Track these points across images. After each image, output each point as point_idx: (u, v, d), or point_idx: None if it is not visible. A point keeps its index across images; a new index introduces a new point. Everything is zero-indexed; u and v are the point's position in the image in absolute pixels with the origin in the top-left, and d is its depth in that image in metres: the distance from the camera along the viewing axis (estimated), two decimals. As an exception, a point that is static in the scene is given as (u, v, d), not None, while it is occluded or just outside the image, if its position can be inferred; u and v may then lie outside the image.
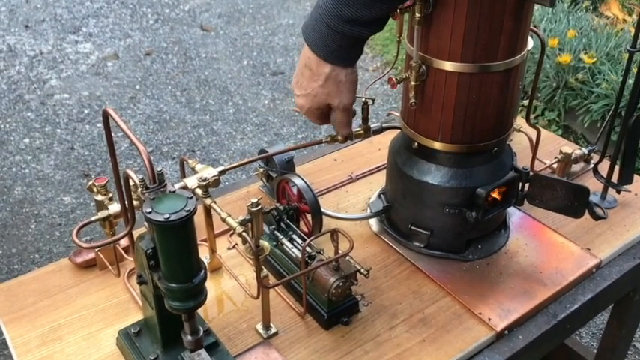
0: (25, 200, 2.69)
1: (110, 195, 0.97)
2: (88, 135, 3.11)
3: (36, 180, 2.81)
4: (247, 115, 3.28)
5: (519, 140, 1.34)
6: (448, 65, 0.94)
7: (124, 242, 1.07)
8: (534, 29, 1.03)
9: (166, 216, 0.68)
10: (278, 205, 1.08)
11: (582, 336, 2.08)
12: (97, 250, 1.06)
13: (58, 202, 2.68)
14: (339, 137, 1.03)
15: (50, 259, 2.36)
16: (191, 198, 0.71)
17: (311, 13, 0.90)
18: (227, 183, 1.32)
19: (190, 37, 4.06)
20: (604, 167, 1.23)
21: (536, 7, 1.50)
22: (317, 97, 0.94)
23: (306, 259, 0.94)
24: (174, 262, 0.73)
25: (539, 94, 3.07)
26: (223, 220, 0.88)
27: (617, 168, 1.21)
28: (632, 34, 1.10)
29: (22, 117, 3.26)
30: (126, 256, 1.07)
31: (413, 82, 0.97)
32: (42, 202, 2.67)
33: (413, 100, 0.98)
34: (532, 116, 1.28)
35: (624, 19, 3.40)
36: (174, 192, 0.72)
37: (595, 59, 2.87)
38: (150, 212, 0.69)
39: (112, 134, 0.81)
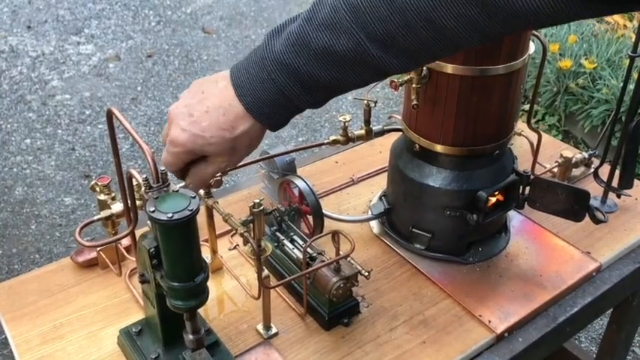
0: (26, 200, 2.69)
1: (113, 194, 0.98)
2: (89, 136, 3.12)
3: (37, 180, 2.81)
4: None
5: (520, 144, 1.34)
6: (450, 68, 0.94)
7: (126, 242, 1.07)
8: (536, 33, 1.04)
9: (169, 215, 0.68)
10: (279, 206, 1.08)
11: (582, 341, 2.08)
12: (98, 249, 1.06)
13: (59, 202, 2.68)
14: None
15: (50, 260, 2.37)
16: (194, 197, 0.71)
17: (249, 54, 0.75)
18: (227, 185, 1.33)
19: (192, 40, 4.07)
20: (604, 171, 1.23)
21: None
22: (212, 146, 0.74)
23: (307, 260, 0.95)
24: (176, 261, 0.73)
25: (539, 99, 3.08)
26: (225, 220, 0.88)
27: (617, 172, 1.21)
28: (633, 39, 1.11)
29: (24, 117, 3.27)
30: (127, 255, 1.07)
31: (415, 85, 0.98)
32: (42, 203, 2.68)
33: (415, 102, 0.98)
34: (533, 121, 1.29)
35: (625, 25, 3.41)
36: (177, 191, 0.72)
37: (596, 65, 2.88)
38: (153, 211, 0.69)
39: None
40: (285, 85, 0.71)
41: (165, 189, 0.73)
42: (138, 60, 3.82)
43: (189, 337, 0.80)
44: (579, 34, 3.16)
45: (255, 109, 0.73)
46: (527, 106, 2.80)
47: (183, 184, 0.93)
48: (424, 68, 0.96)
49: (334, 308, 0.97)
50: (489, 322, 0.98)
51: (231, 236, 1.14)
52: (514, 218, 1.20)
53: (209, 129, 0.74)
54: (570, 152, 1.30)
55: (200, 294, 0.76)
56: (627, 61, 1.13)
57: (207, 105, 0.74)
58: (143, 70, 3.72)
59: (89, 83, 3.58)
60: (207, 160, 0.77)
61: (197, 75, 3.61)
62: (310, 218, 1.09)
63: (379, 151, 1.39)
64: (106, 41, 4.04)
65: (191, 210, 0.69)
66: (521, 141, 1.32)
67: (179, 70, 3.71)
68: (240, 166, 1.08)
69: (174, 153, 0.76)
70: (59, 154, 2.99)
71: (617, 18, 3.45)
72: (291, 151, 1.14)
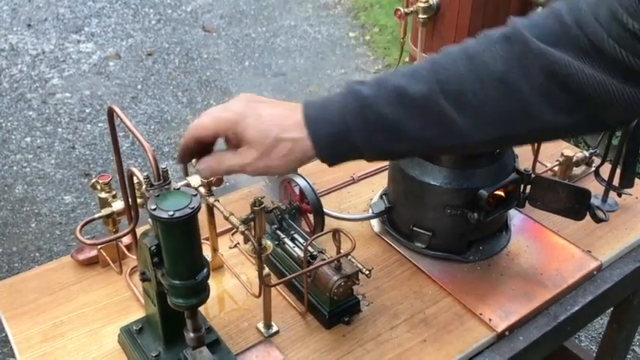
0: (26, 199, 2.69)
1: (114, 192, 0.98)
2: (89, 134, 3.12)
3: (37, 179, 2.81)
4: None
5: (521, 143, 1.34)
6: (451, 66, 0.94)
7: (126, 240, 1.07)
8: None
9: (171, 213, 0.68)
10: (280, 204, 1.08)
11: (581, 340, 2.08)
12: (99, 247, 1.06)
13: (59, 201, 2.68)
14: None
15: (50, 258, 2.37)
16: (195, 195, 0.71)
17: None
18: (228, 183, 1.33)
19: (192, 38, 4.07)
20: (605, 170, 1.23)
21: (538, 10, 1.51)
22: (255, 132, 0.71)
23: (308, 258, 0.94)
24: (177, 259, 0.73)
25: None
26: (226, 218, 0.88)
27: (618, 171, 1.21)
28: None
29: (24, 116, 3.27)
30: (128, 253, 1.07)
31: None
32: (42, 201, 2.68)
33: (416, 101, 0.98)
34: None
35: (625, 24, 3.40)
36: (178, 189, 0.72)
37: (596, 64, 2.88)
38: (154, 209, 0.69)
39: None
40: (350, 111, 0.69)
41: (166, 187, 0.73)
42: (138, 58, 3.82)
43: (190, 335, 0.80)
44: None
45: (312, 122, 0.70)
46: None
47: (184, 182, 0.93)
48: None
49: (335, 306, 0.97)
50: (490, 320, 0.98)
51: (232, 234, 1.14)
52: (515, 217, 1.20)
53: (264, 117, 0.72)
54: (571, 151, 1.30)
55: (201, 292, 0.76)
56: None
57: (276, 106, 0.73)
58: (143, 68, 3.71)
59: (89, 81, 3.58)
60: (236, 152, 0.74)
61: (197, 74, 3.61)
62: (311, 216, 1.09)
63: (380, 150, 1.39)
64: (106, 39, 4.04)
65: (192, 208, 0.69)
66: (522, 140, 1.32)
67: (179, 68, 3.71)
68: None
69: (218, 117, 0.73)
70: (59, 153, 2.99)
71: (617, 17, 3.44)
72: (292, 150, 1.14)
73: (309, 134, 0.70)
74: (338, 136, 0.70)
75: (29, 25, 4.20)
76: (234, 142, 0.73)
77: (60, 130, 3.16)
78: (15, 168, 2.88)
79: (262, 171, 0.74)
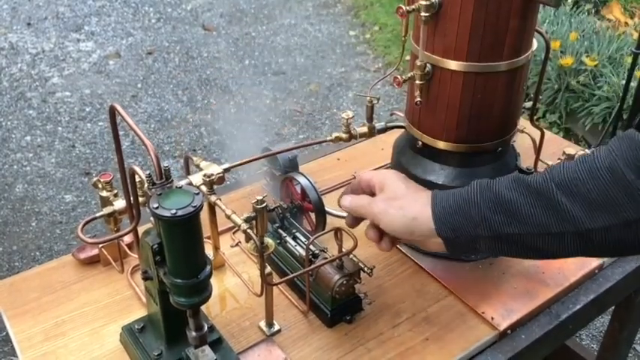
0: (26, 198, 2.69)
1: (115, 191, 0.97)
2: (90, 133, 3.12)
3: (37, 178, 2.81)
4: (249, 114, 3.28)
5: (522, 141, 1.34)
6: (453, 64, 0.94)
7: (128, 239, 1.07)
8: (539, 30, 1.03)
9: (173, 211, 0.68)
10: (281, 203, 1.08)
11: (582, 338, 2.08)
12: (100, 246, 1.06)
13: (59, 199, 2.68)
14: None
15: (51, 257, 2.37)
16: (198, 194, 0.71)
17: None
18: (229, 182, 1.33)
19: (192, 37, 4.07)
20: (607, 169, 1.23)
21: (539, 8, 1.51)
22: (389, 180, 0.87)
23: (310, 257, 0.94)
24: (180, 258, 0.73)
25: (540, 97, 3.08)
26: (228, 217, 0.88)
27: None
28: (634, 37, 1.11)
29: (24, 115, 3.27)
30: (129, 252, 1.07)
31: (418, 82, 0.97)
32: (43, 200, 2.68)
33: (418, 99, 0.98)
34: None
35: (626, 22, 3.41)
36: (180, 188, 0.72)
37: (597, 62, 2.88)
38: (157, 207, 0.69)
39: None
40: (472, 191, 0.79)
41: (168, 185, 0.72)
42: (138, 57, 3.82)
43: (192, 334, 0.80)
44: (580, 31, 3.15)
45: (435, 195, 0.82)
46: (528, 104, 2.80)
47: (186, 181, 0.93)
48: (427, 64, 0.96)
49: (337, 305, 0.96)
50: (492, 319, 0.98)
51: (234, 233, 1.14)
52: (516, 215, 1.19)
53: (408, 181, 0.89)
54: (573, 149, 1.29)
55: (203, 291, 0.76)
56: (628, 59, 1.13)
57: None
58: (143, 67, 3.71)
59: (89, 80, 3.58)
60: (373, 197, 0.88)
61: (197, 72, 3.61)
62: (312, 215, 1.09)
63: (381, 148, 1.38)
64: (106, 38, 4.04)
65: (194, 206, 0.69)
66: (524, 138, 1.32)
67: (179, 67, 3.71)
68: (244, 163, 1.08)
69: (376, 171, 0.93)
70: (59, 152, 2.99)
71: (618, 15, 3.45)
72: (293, 148, 1.13)
73: (430, 202, 0.81)
74: (456, 208, 0.79)
75: (29, 24, 4.20)
76: (378, 191, 0.88)
77: (60, 128, 3.16)
78: (15, 167, 2.88)
79: (377, 212, 0.85)
